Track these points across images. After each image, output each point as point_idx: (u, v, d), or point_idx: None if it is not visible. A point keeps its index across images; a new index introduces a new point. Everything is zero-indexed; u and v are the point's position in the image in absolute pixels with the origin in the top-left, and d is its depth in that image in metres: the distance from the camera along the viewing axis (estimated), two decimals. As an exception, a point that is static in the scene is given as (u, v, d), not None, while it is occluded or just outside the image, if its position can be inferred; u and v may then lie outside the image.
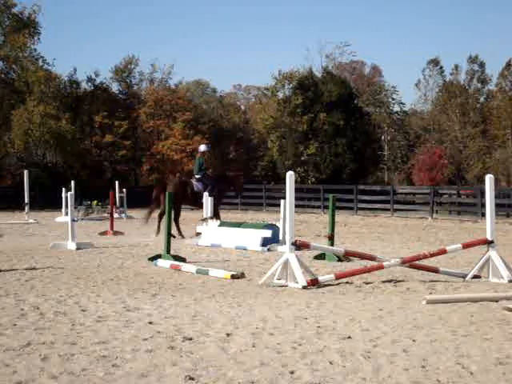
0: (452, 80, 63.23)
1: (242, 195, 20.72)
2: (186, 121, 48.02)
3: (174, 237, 11.53)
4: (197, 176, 17.51)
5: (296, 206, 10.25)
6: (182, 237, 15.99)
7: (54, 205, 29.18)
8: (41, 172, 39.09)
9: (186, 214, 30.10)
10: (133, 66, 50.80)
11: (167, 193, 11.51)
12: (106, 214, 24.15)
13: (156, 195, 17.35)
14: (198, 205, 17.40)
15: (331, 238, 12.19)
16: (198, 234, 15.27)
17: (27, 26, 42.99)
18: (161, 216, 16.70)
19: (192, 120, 48.61)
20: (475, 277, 9.18)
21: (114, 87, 50.34)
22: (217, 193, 17.35)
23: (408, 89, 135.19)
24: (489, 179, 9.42)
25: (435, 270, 9.42)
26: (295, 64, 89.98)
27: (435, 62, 64.54)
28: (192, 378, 4.55)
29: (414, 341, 5.59)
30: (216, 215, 16.89)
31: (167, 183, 17.80)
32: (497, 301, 7.39)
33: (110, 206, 19.79)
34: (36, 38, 43.77)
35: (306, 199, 33.02)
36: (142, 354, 5.18)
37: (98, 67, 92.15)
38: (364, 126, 45.19)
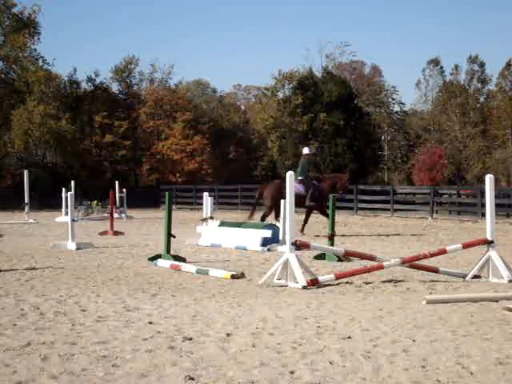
0: (452, 80, 63.26)
1: (344, 197, 20.38)
2: (186, 121, 48.07)
3: (175, 237, 11.51)
4: (299, 178, 17.72)
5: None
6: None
7: (54, 205, 29.20)
8: (41, 172, 39.12)
9: (186, 214, 30.14)
10: (133, 66, 50.87)
11: (167, 193, 11.51)
12: (106, 214, 24.17)
13: (258, 196, 18.35)
14: (301, 206, 17.85)
15: (331, 238, 12.19)
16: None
17: (27, 25, 43.04)
18: (264, 217, 17.74)
19: (192, 120, 48.65)
20: (475, 277, 9.18)
21: (114, 87, 50.45)
22: (319, 195, 17.63)
23: (408, 89, 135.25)
24: (489, 179, 9.42)
25: (435, 270, 9.41)
26: (295, 64, 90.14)
27: (435, 62, 64.57)
28: (192, 378, 4.55)
29: (414, 341, 5.59)
30: (325, 215, 17.39)
31: (268, 185, 18.27)
32: (497, 301, 7.39)
33: (110, 206, 19.80)
34: (36, 38, 43.87)
35: (305, 199, 32.95)
36: (141, 353, 5.18)
37: (98, 67, 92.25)
38: (364, 126, 45.21)
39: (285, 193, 17.37)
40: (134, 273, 10.12)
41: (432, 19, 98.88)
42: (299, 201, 17.64)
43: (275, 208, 17.66)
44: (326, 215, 17.58)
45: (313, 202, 17.64)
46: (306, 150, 18.44)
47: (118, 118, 46.14)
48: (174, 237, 11.47)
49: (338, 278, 8.92)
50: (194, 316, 6.67)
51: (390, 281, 9.07)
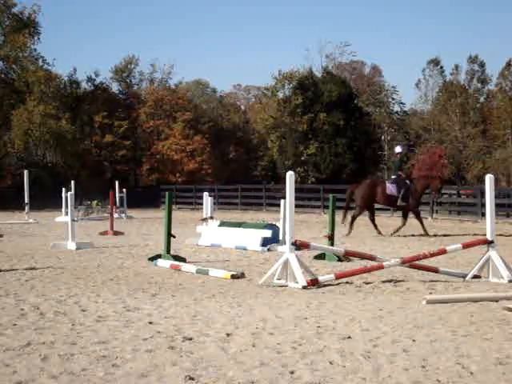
0: (452, 80, 63.16)
1: (438, 199, 20.06)
2: (186, 121, 48.05)
3: (174, 237, 11.51)
4: (392, 177, 17.82)
5: (296, 206, 10.25)
6: (380, 233, 17.17)
7: (54, 205, 29.20)
8: (41, 172, 39.09)
9: (186, 214, 30.14)
10: (133, 66, 50.89)
11: (167, 193, 11.51)
12: (105, 214, 24.18)
13: (348, 197, 18.64)
14: (393, 206, 18.01)
15: (331, 238, 12.20)
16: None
17: (27, 25, 43.05)
18: (354, 217, 17.87)
19: (192, 120, 48.64)
20: (475, 277, 9.18)
21: (114, 87, 50.46)
22: (411, 194, 17.67)
23: (408, 89, 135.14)
24: (489, 179, 9.43)
25: (435, 270, 9.41)
26: (295, 64, 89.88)
27: (435, 62, 64.44)
28: (192, 378, 4.55)
29: (413, 341, 5.59)
30: (418, 217, 17.75)
31: (359, 185, 18.43)
32: (497, 301, 7.39)
33: (110, 206, 19.80)
34: (36, 38, 43.87)
35: (306, 199, 33.02)
36: (141, 353, 5.18)
37: (98, 67, 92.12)
38: (364, 126, 45.18)
39: (377, 192, 17.66)
40: (134, 273, 10.12)
41: (432, 19, 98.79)
42: (391, 201, 17.86)
43: (367, 208, 17.98)
44: (419, 218, 17.79)
45: (404, 202, 17.63)
46: (398, 149, 18.42)
47: (117, 118, 46.13)
48: (174, 237, 11.47)
49: (337, 277, 8.93)
50: (194, 316, 6.67)
51: (390, 281, 9.07)
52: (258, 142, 52.32)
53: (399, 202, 17.59)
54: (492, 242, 9.18)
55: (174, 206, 23.16)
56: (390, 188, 17.62)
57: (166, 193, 11.57)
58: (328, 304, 7.32)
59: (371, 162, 46.16)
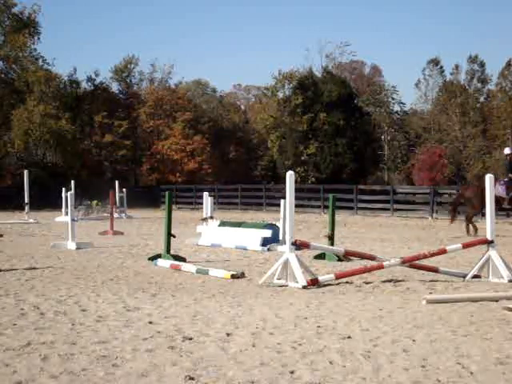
0: (452, 80, 63.15)
1: None
2: (186, 121, 48.07)
3: (175, 236, 11.51)
4: (504, 179, 17.63)
5: (296, 206, 10.25)
6: (469, 234, 16.85)
7: (54, 205, 29.20)
8: (41, 172, 39.10)
9: (186, 214, 30.14)
10: (133, 66, 50.90)
11: (167, 193, 11.51)
12: (105, 214, 24.19)
13: (458, 198, 18.65)
14: (499, 207, 17.75)
15: (331, 238, 12.19)
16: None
17: (27, 25, 43.09)
18: (470, 218, 17.64)
19: (192, 120, 48.65)
20: (475, 277, 9.18)
21: (114, 87, 50.47)
22: None
23: (408, 89, 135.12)
24: (489, 179, 9.43)
25: (435, 270, 9.41)
26: (295, 64, 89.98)
27: (435, 62, 64.44)
28: (192, 378, 4.54)
29: (413, 341, 5.59)
30: None
31: (470, 186, 18.47)
32: (497, 301, 7.39)
33: (109, 206, 19.81)
34: (36, 38, 43.92)
35: (306, 199, 33.04)
36: (142, 353, 5.18)
37: (98, 67, 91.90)
38: (364, 126, 45.20)
39: (480, 194, 17.34)
40: (134, 273, 10.12)
41: (432, 19, 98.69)
42: (498, 203, 17.60)
43: (482, 208, 17.65)
44: None
45: (510, 205, 17.44)
46: (507, 151, 18.10)
47: (118, 118, 46.15)
48: (174, 236, 11.47)
49: (337, 277, 8.92)
50: (194, 316, 6.67)
51: (390, 281, 9.07)
52: (258, 142, 52.34)
53: (505, 204, 17.39)
54: (492, 241, 9.18)
55: (174, 206, 23.19)
56: (499, 189, 17.31)
57: (166, 193, 11.57)
58: (328, 304, 7.32)
59: (371, 161, 46.21)
